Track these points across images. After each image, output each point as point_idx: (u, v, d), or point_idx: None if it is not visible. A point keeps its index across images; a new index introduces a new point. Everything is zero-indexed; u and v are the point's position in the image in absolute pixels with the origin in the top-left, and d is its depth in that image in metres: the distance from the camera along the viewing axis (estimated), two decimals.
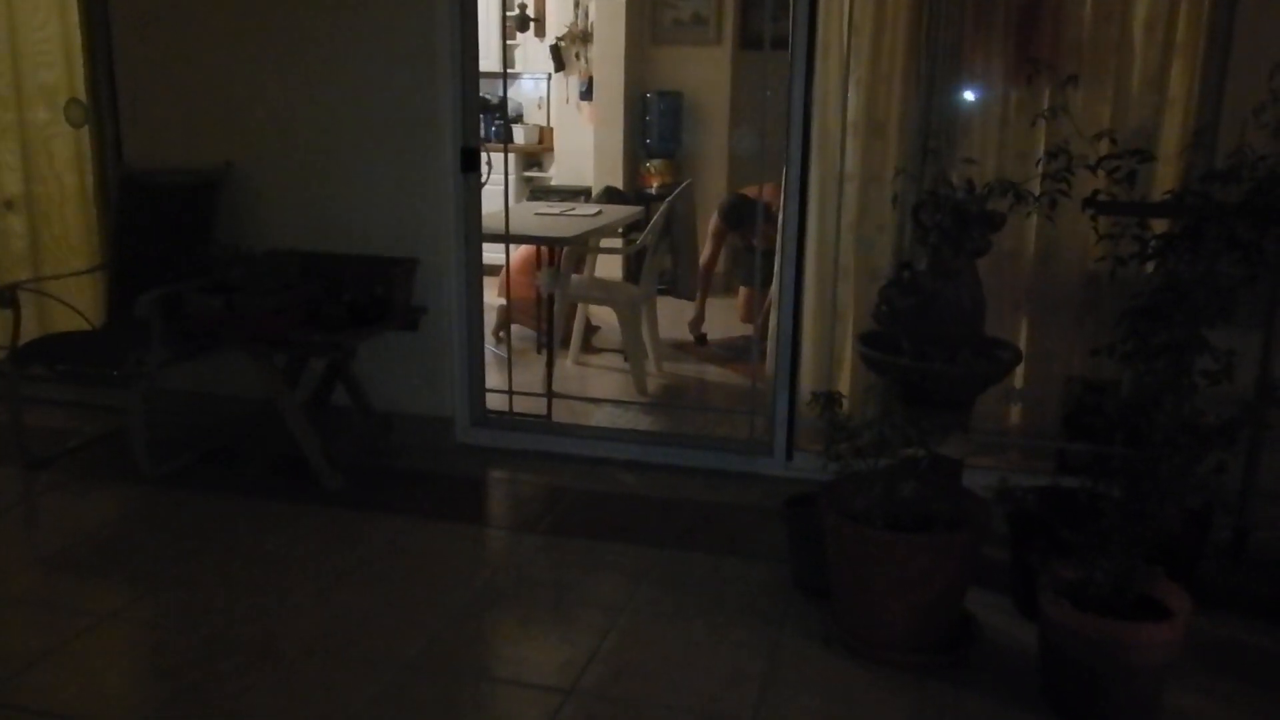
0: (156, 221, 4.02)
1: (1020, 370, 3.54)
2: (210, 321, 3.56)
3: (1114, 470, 2.49)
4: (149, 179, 4.07)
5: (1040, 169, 2.76)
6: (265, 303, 3.51)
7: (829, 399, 2.67)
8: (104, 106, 4.21)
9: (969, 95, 3.65)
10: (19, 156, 4.55)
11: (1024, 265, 3.65)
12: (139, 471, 3.65)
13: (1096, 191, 2.70)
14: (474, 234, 3.97)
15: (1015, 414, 3.81)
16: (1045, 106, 3.41)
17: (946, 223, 2.83)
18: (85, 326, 4.05)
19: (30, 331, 3.86)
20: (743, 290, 6.45)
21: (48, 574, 3.09)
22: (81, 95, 4.33)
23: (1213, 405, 2.46)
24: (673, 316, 6.07)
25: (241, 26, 3.93)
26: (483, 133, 4.18)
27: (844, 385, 3.84)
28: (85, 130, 4.38)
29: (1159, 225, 2.66)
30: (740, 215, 5.96)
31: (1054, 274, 3.62)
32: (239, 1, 3.91)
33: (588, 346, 5.59)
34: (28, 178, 4.57)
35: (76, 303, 4.11)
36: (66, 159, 4.49)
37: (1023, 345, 3.61)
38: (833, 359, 3.85)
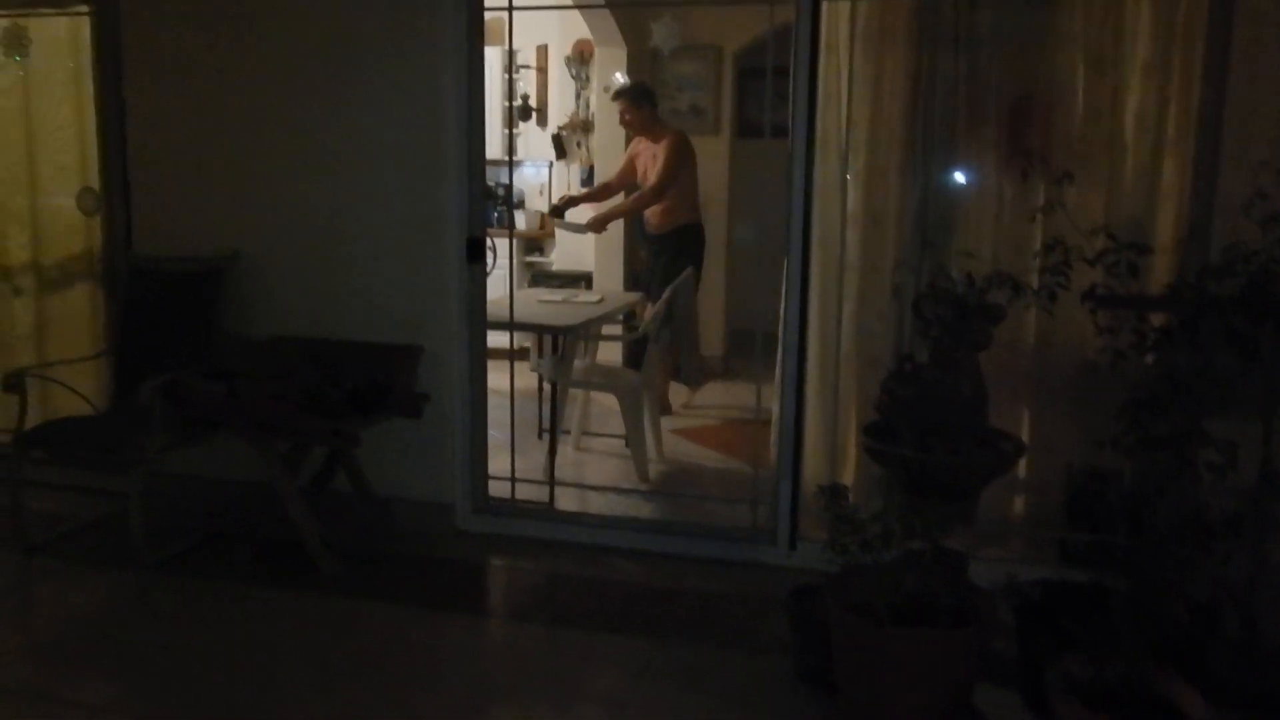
0: (163, 308, 4.06)
1: (1023, 460, 3.53)
2: (212, 407, 3.57)
3: (1118, 562, 2.48)
4: (157, 266, 4.12)
5: (1038, 262, 2.80)
6: (266, 389, 3.53)
7: (834, 492, 2.67)
8: (115, 195, 4.29)
9: (965, 189, 3.71)
10: (30, 240, 4.62)
11: (1024, 356, 3.67)
12: (137, 557, 3.62)
13: (1095, 285, 2.74)
14: (479, 322, 4.00)
15: (1018, 504, 3.79)
16: (1041, 199, 3.47)
17: (947, 316, 2.87)
18: (89, 411, 4.05)
19: (35, 414, 3.87)
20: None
21: (40, 664, 3.05)
22: (95, 184, 4.41)
23: (1215, 496, 2.46)
24: (673, 402, 6.08)
25: (253, 120, 4.01)
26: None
27: (848, 474, 3.83)
28: (97, 218, 4.45)
29: (1157, 318, 2.69)
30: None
31: (1054, 364, 3.64)
32: (252, 96, 4.00)
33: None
34: (38, 263, 4.63)
35: (82, 387, 4.12)
36: (78, 245, 4.56)
37: (1024, 435, 3.61)
38: (836, 448, 3.85)
